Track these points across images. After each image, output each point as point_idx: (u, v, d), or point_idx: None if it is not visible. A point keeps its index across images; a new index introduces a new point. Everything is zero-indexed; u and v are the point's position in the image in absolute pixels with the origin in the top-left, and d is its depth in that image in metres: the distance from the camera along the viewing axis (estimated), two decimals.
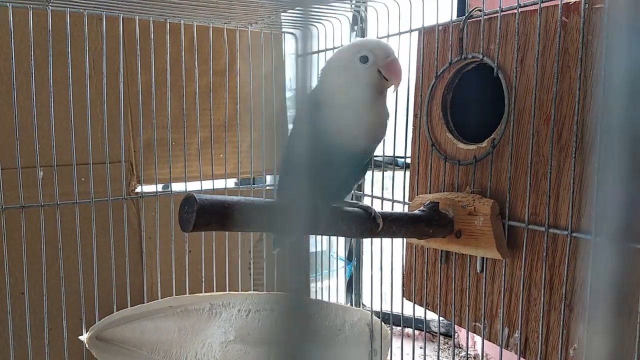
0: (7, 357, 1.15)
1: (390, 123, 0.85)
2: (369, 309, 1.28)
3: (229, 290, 1.33)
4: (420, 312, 1.10)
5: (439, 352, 1.11)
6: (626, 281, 0.23)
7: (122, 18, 1.22)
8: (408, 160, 1.12)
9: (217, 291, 1.33)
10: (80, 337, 1.18)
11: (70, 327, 1.20)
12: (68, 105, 1.15)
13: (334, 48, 1.32)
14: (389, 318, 1.26)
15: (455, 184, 0.98)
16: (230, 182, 1.53)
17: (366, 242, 1.56)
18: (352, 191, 1.24)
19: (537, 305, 0.85)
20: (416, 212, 0.92)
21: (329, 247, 1.45)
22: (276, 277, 1.38)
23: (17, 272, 1.19)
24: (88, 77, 1.18)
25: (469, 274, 0.96)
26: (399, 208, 1.12)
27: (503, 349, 0.92)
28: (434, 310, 1.06)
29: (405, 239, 1.09)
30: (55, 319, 1.19)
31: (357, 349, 1.24)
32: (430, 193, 1.03)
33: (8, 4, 1.10)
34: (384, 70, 0.79)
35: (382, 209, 1.12)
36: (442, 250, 1.01)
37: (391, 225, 0.86)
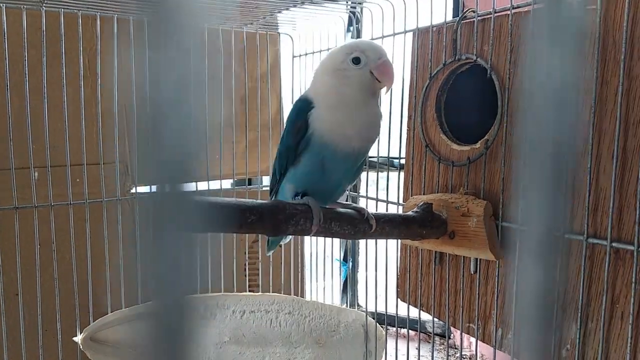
0: (1, 358, 1.15)
1: (384, 124, 0.86)
2: (365, 309, 1.28)
3: (223, 291, 1.33)
4: (415, 312, 1.10)
5: (433, 353, 1.11)
6: (549, 291, 0.23)
7: (117, 18, 1.22)
8: (403, 161, 1.12)
9: (211, 292, 1.33)
10: (74, 338, 1.17)
11: (64, 328, 1.20)
12: (62, 106, 1.15)
13: (329, 49, 1.32)
14: (384, 319, 1.26)
15: (449, 185, 0.98)
16: (226, 184, 1.53)
17: (362, 243, 1.56)
18: (347, 192, 1.24)
19: None
20: (410, 213, 0.92)
21: (324, 248, 1.45)
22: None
23: (11, 273, 1.18)
24: (82, 77, 1.18)
25: (463, 275, 0.96)
26: (393, 209, 1.12)
27: (497, 350, 0.92)
28: (428, 311, 1.06)
29: (399, 240, 1.09)
30: (49, 320, 1.19)
31: (352, 350, 1.24)
32: (424, 194, 1.03)
33: (1, 5, 1.10)
34: (376, 72, 0.79)
35: (376, 210, 1.12)
36: (436, 252, 1.01)
37: (384, 226, 0.86)
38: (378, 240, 1.18)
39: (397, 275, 1.13)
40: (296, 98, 1.01)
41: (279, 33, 1.51)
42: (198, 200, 0.20)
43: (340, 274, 1.73)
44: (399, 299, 1.13)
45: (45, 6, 1.12)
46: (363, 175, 1.19)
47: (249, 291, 1.43)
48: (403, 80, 1.10)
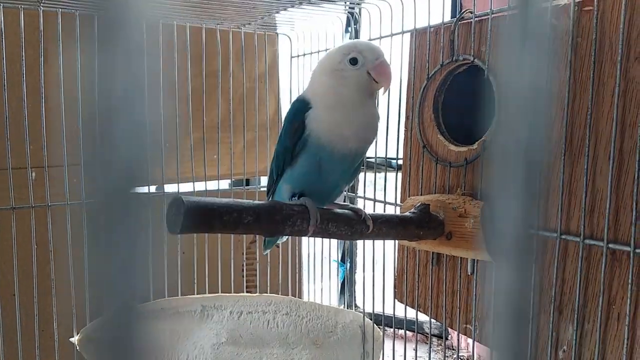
0: None
1: (382, 124, 0.86)
2: (362, 310, 1.28)
3: (221, 292, 1.33)
4: (412, 313, 1.10)
5: (430, 354, 1.11)
6: (523, 296, 0.23)
7: None
8: (400, 162, 1.12)
9: (209, 293, 1.32)
10: (71, 339, 1.17)
11: (61, 329, 1.20)
12: (60, 106, 1.15)
13: (327, 50, 1.32)
14: (381, 319, 1.26)
15: (447, 185, 0.98)
16: (224, 184, 1.53)
17: (359, 243, 1.56)
18: (345, 193, 1.24)
19: None
20: (407, 214, 0.92)
21: (321, 248, 1.45)
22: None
23: (7, 274, 1.18)
24: (79, 77, 1.17)
25: (460, 276, 0.96)
26: (391, 210, 1.12)
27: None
28: (425, 312, 1.06)
29: (397, 241, 1.09)
30: (46, 321, 1.19)
31: (349, 351, 1.24)
32: (421, 195, 1.03)
33: None
34: (373, 72, 0.79)
35: (374, 211, 1.12)
36: (433, 252, 1.01)
37: (381, 227, 0.86)
38: (375, 241, 1.18)
39: (395, 276, 1.13)
40: (294, 98, 1.01)
41: (277, 33, 1.51)
42: (146, 204, 0.20)
43: (337, 275, 1.73)
44: (396, 300, 1.13)
45: (42, 6, 1.12)
46: (361, 175, 1.19)
47: (247, 292, 1.43)
48: (401, 81, 1.11)
